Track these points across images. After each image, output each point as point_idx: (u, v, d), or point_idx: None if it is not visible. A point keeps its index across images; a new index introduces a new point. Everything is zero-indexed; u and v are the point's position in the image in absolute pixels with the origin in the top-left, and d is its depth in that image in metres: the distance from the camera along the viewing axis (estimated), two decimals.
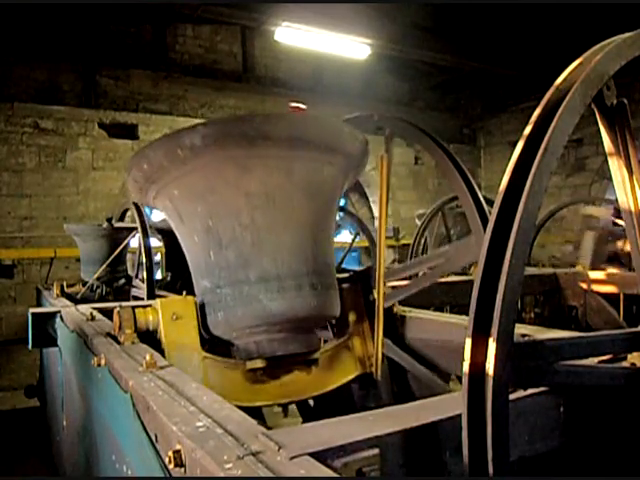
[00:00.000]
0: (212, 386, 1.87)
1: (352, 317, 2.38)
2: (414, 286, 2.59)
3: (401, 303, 2.68)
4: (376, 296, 2.25)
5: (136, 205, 4.40)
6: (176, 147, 1.83)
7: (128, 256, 5.22)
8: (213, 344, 2.05)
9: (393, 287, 2.69)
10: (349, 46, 8.28)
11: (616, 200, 1.36)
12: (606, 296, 3.79)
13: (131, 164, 2.01)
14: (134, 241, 4.71)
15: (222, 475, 0.92)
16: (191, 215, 1.98)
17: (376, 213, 10.90)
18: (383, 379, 2.31)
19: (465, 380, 1.00)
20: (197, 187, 1.92)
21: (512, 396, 1.12)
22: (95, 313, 2.48)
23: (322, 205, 2.05)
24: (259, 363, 1.98)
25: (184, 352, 1.94)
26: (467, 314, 1.04)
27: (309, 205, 1.98)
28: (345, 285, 2.40)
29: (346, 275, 2.55)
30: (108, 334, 2.04)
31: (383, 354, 2.28)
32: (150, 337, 1.97)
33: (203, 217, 1.95)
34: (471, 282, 1.07)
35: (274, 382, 2.07)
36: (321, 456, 0.99)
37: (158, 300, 2.04)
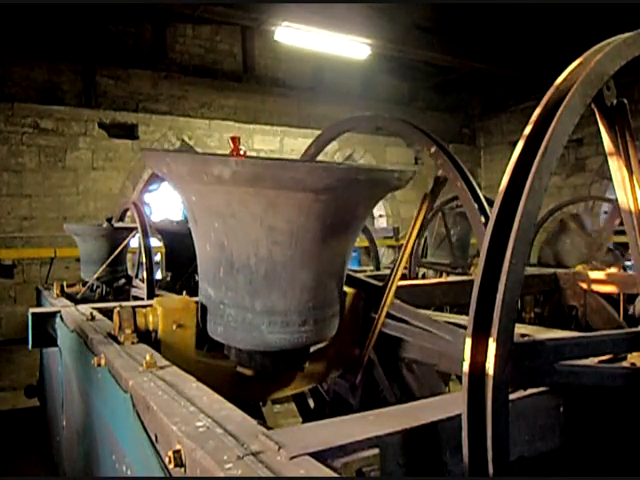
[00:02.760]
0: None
1: (344, 322, 2.34)
2: None
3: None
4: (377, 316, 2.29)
5: (136, 205, 4.40)
6: (201, 172, 1.69)
7: (128, 256, 5.22)
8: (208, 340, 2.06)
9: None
10: (349, 46, 8.28)
11: (616, 200, 1.36)
12: (606, 296, 3.78)
13: (149, 155, 1.97)
14: (134, 241, 4.71)
15: (222, 475, 0.92)
16: (206, 225, 1.88)
17: (376, 212, 10.91)
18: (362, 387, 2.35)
19: (465, 380, 1.00)
20: (217, 207, 1.79)
21: (512, 396, 1.12)
22: (95, 313, 2.48)
23: (350, 238, 1.97)
24: (248, 372, 2.01)
25: (180, 357, 1.92)
26: (467, 314, 1.04)
27: (336, 243, 1.88)
28: (348, 289, 2.37)
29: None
30: (108, 334, 2.04)
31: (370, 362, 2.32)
32: (150, 337, 1.97)
33: (219, 234, 1.83)
34: (471, 282, 1.07)
35: (264, 383, 2.12)
36: (321, 456, 0.99)
37: (156, 300, 2.04)
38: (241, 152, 2.23)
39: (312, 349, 2.17)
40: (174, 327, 1.96)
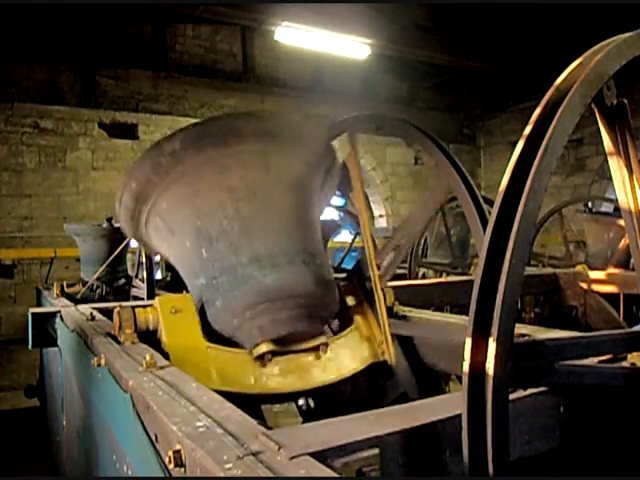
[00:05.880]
0: (220, 375, 1.87)
1: (354, 310, 2.36)
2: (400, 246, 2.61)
3: (401, 303, 2.67)
4: (372, 277, 2.26)
5: None
6: (159, 156, 1.94)
7: (128, 256, 5.22)
8: (216, 342, 2.03)
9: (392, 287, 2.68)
10: (349, 46, 8.28)
11: (616, 200, 1.36)
12: (606, 296, 3.79)
13: (121, 192, 2.10)
14: (134, 241, 4.71)
15: (222, 475, 0.92)
16: (180, 222, 2.07)
17: (376, 212, 10.92)
18: (399, 363, 2.24)
19: (465, 380, 1.00)
20: (183, 193, 2.02)
21: (512, 396, 1.12)
22: (95, 313, 2.48)
23: (300, 195, 2.13)
24: (264, 347, 1.94)
25: (186, 343, 1.92)
26: (467, 314, 1.04)
27: (288, 195, 2.08)
28: (342, 283, 2.40)
29: (343, 275, 2.56)
30: (108, 334, 2.04)
31: (393, 335, 2.25)
32: (150, 337, 1.97)
33: (192, 220, 2.03)
34: (471, 282, 1.07)
35: (283, 369, 2.01)
36: (321, 456, 0.99)
37: (157, 298, 2.04)
38: None
39: (329, 339, 2.15)
40: (173, 311, 1.95)
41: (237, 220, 1.99)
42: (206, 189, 2.00)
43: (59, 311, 2.74)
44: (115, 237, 4.57)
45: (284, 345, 1.99)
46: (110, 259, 4.37)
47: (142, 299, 3.97)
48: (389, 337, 2.22)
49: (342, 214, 7.75)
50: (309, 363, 2.05)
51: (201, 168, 1.97)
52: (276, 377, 1.99)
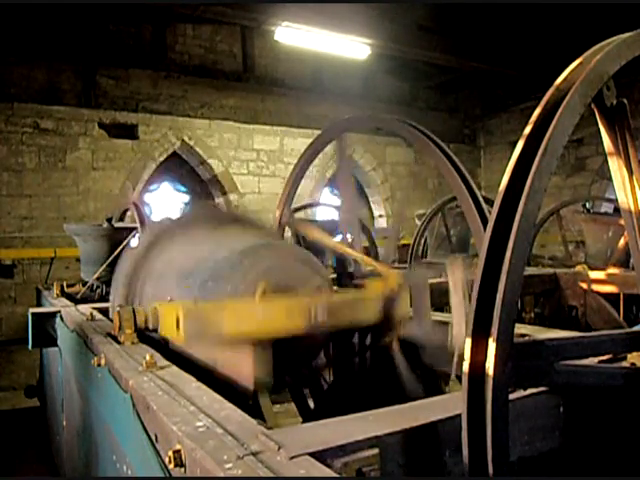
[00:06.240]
0: (231, 318, 1.89)
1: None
2: None
3: None
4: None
5: (136, 205, 4.40)
6: (135, 257, 2.34)
7: None
8: None
9: None
10: (349, 46, 8.27)
11: (616, 200, 1.36)
12: (606, 296, 3.79)
13: (114, 302, 2.31)
14: (134, 241, 4.71)
15: (222, 475, 0.92)
16: (164, 283, 2.26)
17: (376, 213, 10.92)
18: (409, 279, 2.41)
19: (465, 380, 1.00)
20: (164, 267, 2.28)
21: (512, 396, 1.12)
22: (95, 313, 2.49)
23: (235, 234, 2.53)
24: (263, 285, 1.95)
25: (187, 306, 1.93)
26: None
27: (230, 237, 2.46)
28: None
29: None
30: (108, 334, 2.04)
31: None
32: (150, 337, 1.97)
33: (175, 274, 2.26)
34: (471, 282, 1.07)
35: (292, 305, 2.02)
36: (321, 456, 0.99)
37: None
38: None
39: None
40: (168, 298, 1.99)
41: (207, 247, 2.31)
42: (176, 254, 2.33)
43: (59, 311, 2.74)
44: (115, 237, 4.56)
45: (284, 288, 2.03)
46: (110, 259, 4.37)
47: None
48: (383, 266, 2.38)
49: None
50: (317, 298, 2.10)
51: (172, 245, 2.35)
52: (282, 318, 1.99)
